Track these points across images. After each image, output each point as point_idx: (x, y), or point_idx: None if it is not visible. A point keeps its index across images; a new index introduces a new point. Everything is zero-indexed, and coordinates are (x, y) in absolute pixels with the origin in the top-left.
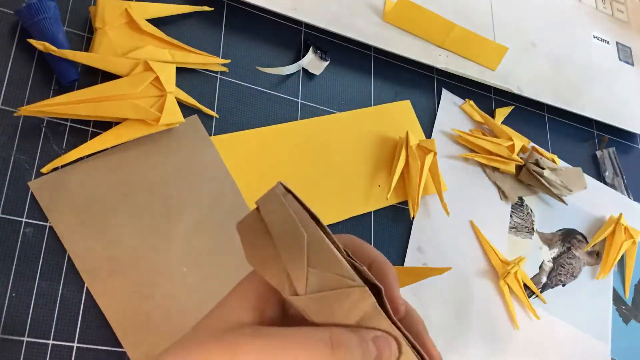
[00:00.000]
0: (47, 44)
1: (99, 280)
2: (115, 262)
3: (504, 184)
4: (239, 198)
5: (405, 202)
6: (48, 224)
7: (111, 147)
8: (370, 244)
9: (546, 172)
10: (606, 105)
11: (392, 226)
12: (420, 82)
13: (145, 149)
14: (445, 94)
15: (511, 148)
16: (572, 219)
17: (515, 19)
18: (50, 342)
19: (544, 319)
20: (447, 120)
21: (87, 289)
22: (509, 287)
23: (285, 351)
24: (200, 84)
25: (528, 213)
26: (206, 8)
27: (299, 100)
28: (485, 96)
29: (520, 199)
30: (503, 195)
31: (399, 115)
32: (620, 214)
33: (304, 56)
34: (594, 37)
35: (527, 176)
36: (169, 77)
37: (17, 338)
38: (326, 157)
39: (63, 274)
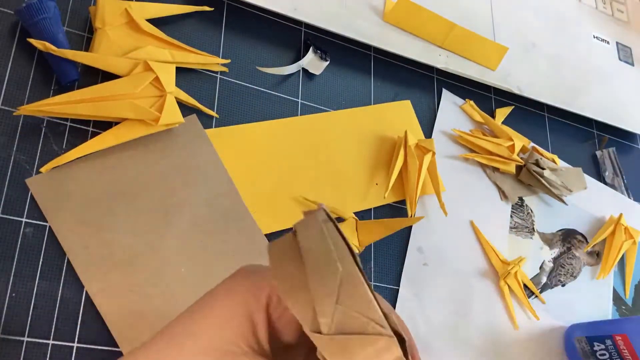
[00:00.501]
0: (47, 43)
1: (96, 279)
2: (111, 261)
3: (504, 184)
4: (237, 198)
5: (404, 202)
6: (48, 224)
7: (110, 147)
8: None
9: (546, 172)
10: (606, 105)
11: None
12: (420, 82)
13: (144, 149)
14: (445, 94)
15: (511, 148)
16: (572, 219)
17: (515, 19)
18: (50, 342)
19: (543, 319)
20: (447, 120)
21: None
22: (509, 287)
23: None
24: (200, 84)
25: (528, 213)
26: (206, 8)
27: (299, 100)
28: (485, 96)
29: (521, 199)
30: (503, 195)
31: (398, 115)
32: (620, 214)
33: (304, 56)
34: (594, 37)
35: (527, 176)
36: (168, 77)
37: (17, 338)
38: (324, 154)
39: (63, 274)
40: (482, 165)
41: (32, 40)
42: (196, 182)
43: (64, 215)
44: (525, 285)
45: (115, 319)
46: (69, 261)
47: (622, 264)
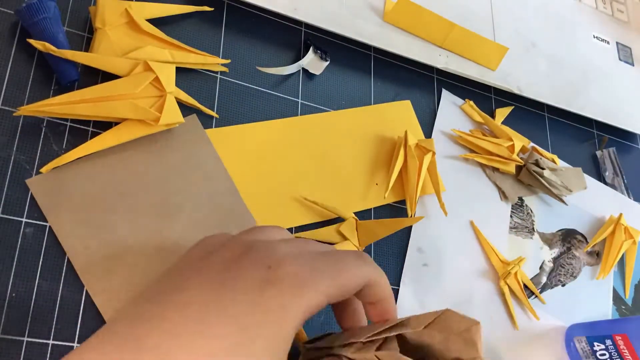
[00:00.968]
0: (47, 44)
1: (96, 279)
2: (112, 261)
3: (504, 184)
4: (238, 197)
5: (404, 202)
6: (48, 224)
7: (110, 147)
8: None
9: (546, 172)
10: (606, 105)
11: None
12: (420, 82)
13: (144, 149)
14: (445, 94)
15: (511, 148)
16: (572, 219)
17: (515, 19)
18: (50, 342)
19: (543, 319)
20: (447, 121)
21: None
22: (509, 287)
23: None
24: (200, 84)
25: (528, 213)
26: (206, 8)
27: (299, 100)
28: (485, 96)
29: (520, 199)
30: (503, 195)
31: (398, 115)
32: (620, 214)
33: (304, 56)
34: (594, 37)
35: (527, 176)
36: (168, 77)
37: (17, 338)
38: (324, 154)
39: (63, 274)
40: (482, 165)
41: (32, 41)
42: (196, 182)
43: (64, 215)
44: (525, 285)
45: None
46: (69, 261)
47: (622, 263)
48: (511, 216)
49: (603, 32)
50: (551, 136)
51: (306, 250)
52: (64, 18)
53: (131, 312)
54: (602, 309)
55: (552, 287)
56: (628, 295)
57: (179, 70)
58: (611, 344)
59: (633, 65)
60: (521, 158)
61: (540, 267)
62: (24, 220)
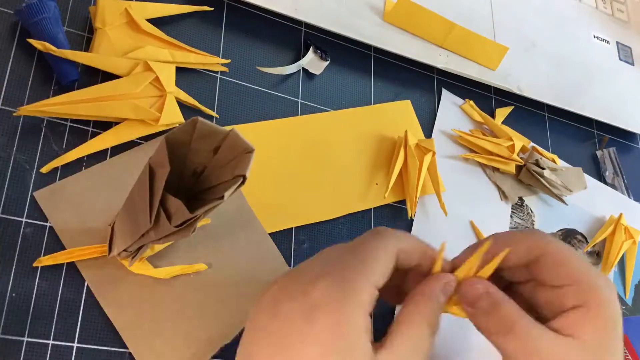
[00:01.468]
0: (47, 44)
1: (107, 291)
2: (121, 272)
3: (504, 184)
4: (242, 200)
5: (404, 202)
6: (48, 224)
7: (116, 156)
8: None
9: (546, 172)
10: (606, 105)
11: (391, 225)
12: (420, 82)
13: (148, 155)
14: (445, 94)
15: (511, 148)
16: (572, 219)
17: (515, 19)
18: (50, 342)
19: None
20: (447, 120)
21: (87, 288)
22: None
23: None
24: (200, 84)
25: (528, 213)
26: (206, 8)
27: (299, 100)
28: (485, 96)
29: (521, 199)
30: (503, 195)
31: (398, 115)
32: (620, 214)
33: (304, 56)
34: (594, 37)
35: (527, 176)
36: (169, 77)
37: (17, 338)
38: (324, 153)
39: (63, 274)
40: (482, 165)
41: (31, 41)
42: None
43: (72, 226)
44: None
45: (129, 328)
46: (69, 261)
47: (622, 264)
48: (511, 216)
49: (603, 32)
50: (551, 136)
51: (329, 259)
52: (64, 18)
53: None
54: None
55: None
56: (628, 295)
57: (179, 70)
58: None
59: (633, 65)
60: (521, 158)
61: None
62: (24, 220)
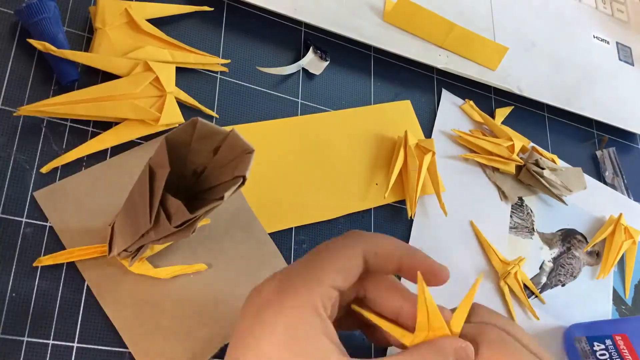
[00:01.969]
0: (47, 44)
1: (107, 291)
2: (121, 272)
3: (504, 184)
4: (242, 200)
5: (404, 202)
6: (48, 224)
7: (116, 156)
8: None
9: (546, 172)
10: (606, 105)
11: (391, 225)
12: (420, 82)
13: (148, 155)
14: (445, 94)
15: (511, 148)
16: (572, 219)
17: (515, 19)
18: (50, 342)
19: (543, 319)
20: (447, 121)
21: (87, 288)
22: (509, 287)
23: None
24: (200, 84)
25: (528, 213)
26: (206, 8)
27: (299, 100)
28: (485, 96)
29: (520, 199)
30: (503, 195)
31: (398, 115)
32: (620, 214)
33: (304, 56)
34: (594, 37)
35: (527, 176)
36: (168, 77)
37: (17, 338)
38: (323, 153)
39: (63, 274)
40: (482, 166)
41: (31, 41)
42: None
43: (72, 227)
44: (525, 285)
45: (128, 328)
46: (69, 261)
47: (622, 263)
48: (511, 216)
49: (603, 32)
50: (551, 136)
51: (297, 260)
52: (64, 18)
53: None
54: (602, 309)
55: (552, 287)
56: (628, 295)
57: (179, 70)
58: (611, 344)
59: (633, 65)
60: (521, 158)
61: (540, 267)
62: (24, 220)
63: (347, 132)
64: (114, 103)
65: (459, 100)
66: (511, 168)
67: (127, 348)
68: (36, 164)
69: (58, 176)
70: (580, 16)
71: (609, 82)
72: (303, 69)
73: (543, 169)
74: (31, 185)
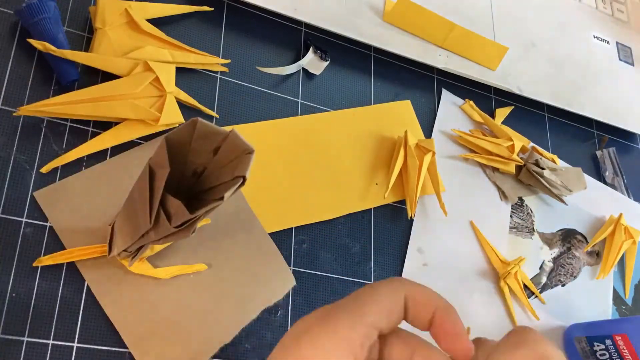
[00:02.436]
0: (47, 44)
1: (107, 291)
2: (121, 272)
3: (504, 184)
4: (242, 200)
5: (404, 202)
6: (48, 224)
7: (116, 156)
8: (371, 243)
9: (546, 172)
10: (606, 105)
11: (391, 225)
12: (420, 82)
13: (148, 155)
14: (445, 94)
15: (511, 148)
16: (572, 219)
17: (515, 19)
18: (50, 342)
19: (543, 319)
20: (447, 121)
21: (87, 288)
22: (509, 287)
23: None
24: (200, 84)
25: (528, 213)
26: (206, 8)
27: (299, 100)
28: (485, 96)
29: (520, 199)
30: (503, 195)
31: (398, 115)
32: (620, 214)
33: (304, 56)
34: (594, 37)
35: (527, 176)
36: (168, 77)
37: (17, 338)
38: (324, 153)
39: (63, 274)
40: (482, 166)
41: (31, 41)
42: None
43: (72, 226)
44: (525, 285)
45: (128, 328)
46: (69, 261)
47: (622, 263)
48: (511, 216)
49: (603, 32)
50: (551, 136)
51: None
52: (64, 18)
53: None
54: (602, 309)
55: (552, 287)
56: (628, 295)
57: (179, 70)
58: (611, 344)
59: (633, 65)
60: (521, 158)
61: (540, 267)
62: (24, 220)
63: (347, 132)
64: (114, 103)
65: (459, 100)
66: (511, 168)
67: (127, 348)
68: (36, 164)
69: (58, 176)
70: (580, 16)
71: (609, 82)
72: (303, 69)
73: (543, 169)
74: (31, 185)
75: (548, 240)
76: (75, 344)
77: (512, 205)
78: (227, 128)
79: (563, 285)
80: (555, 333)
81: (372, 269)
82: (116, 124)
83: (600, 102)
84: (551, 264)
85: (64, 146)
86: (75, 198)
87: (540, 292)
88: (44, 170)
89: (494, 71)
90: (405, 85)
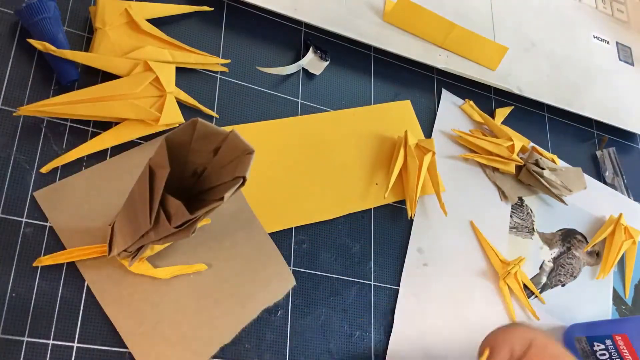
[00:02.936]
0: (47, 44)
1: (107, 291)
2: (121, 272)
3: (504, 184)
4: (242, 200)
5: (404, 202)
6: (48, 224)
7: (116, 156)
8: (371, 243)
9: (546, 172)
10: (606, 105)
11: (391, 225)
12: (420, 82)
13: (148, 155)
14: (445, 94)
15: (511, 148)
16: (572, 219)
17: (515, 19)
18: (50, 342)
19: (543, 319)
20: (447, 121)
21: (87, 288)
22: (509, 287)
23: None
24: (200, 84)
25: (528, 213)
26: (206, 8)
27: (299, 100)
28: (485, 96)
29: (520, 199)
30: (503, 195)
31: (398, 115)
32: (620, 214)
33: (304, 56)
34: (594, 37)
35: (527, 176)
36: (168, 77)
37: (17, 338)
38: (324, 153)
39: (63, 274)
40: (482, 166)
41: (32, 41)
42: None
43: (72, 226)
44: (525, 285)
45: (129, 328)
46: (69, 261)
47: (622, 263)
48: (511, 216)
49: (603, 32)
50: (551, 136)
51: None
52: (64, 18)
53: None
54: (602, 309)
55: (552, 287)
56: (628, 295)
57: (179, 70)
58: (611, 344)
59: (633, 65)
60: (521, 158)
61: (540, 267)
62: (24, 220)
63: (347, 132)
64: (114, 103)
65: (459, 100)
66: (511, 168)
67: (127, 348)
68: (36, 164)
69: (58, 176)
70: (580, 16)
71: (609, 82)
72: (303, 69)
73: (543, 169)
74: (31, 185)
75: (548, 240)
76: (75, 344)
77: (512, 205)
78: (227, 128)
79: (563, 285)
80: (555, 333)
81: (372, 269)
82: (116, 124)
83: (600, 102)
84: (551, 264)
85: (64, 146)
86: (75, 198)
87: (540, 292)
88: (44, 170)
89: (494, 71)
90: (405, 85)
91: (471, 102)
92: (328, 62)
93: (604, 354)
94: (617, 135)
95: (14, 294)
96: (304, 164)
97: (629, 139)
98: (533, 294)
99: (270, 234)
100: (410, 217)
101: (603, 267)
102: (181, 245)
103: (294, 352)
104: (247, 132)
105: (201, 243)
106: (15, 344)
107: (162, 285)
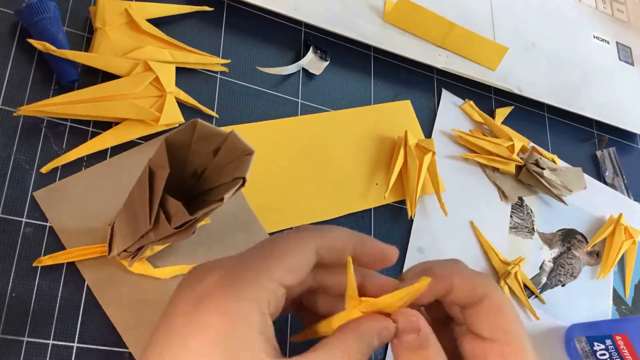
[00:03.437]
0: (47, 44)
1: (107, 291)
2: (121, 272)
3: (504, 184)
4: (242, 200)
5: (404, 202)
6: (48, 224)
7: (116, 156)
8: None
9: (546, 172)
10: (606, 105)
11: (391, 225)
12: (420, 82)
13: (148, 155)
14: (445, 94)
15: (511, 148)
16: (572, 219)
17: (515, 19)
18: (50, 342)
19: (543, 319)
20: (447, 121)
21: (87, 288)
22: (509, 287)
23: None
24: (200, 84)
25: (528, 213)
26: (206, 8)
27: (299, 100)
28: (485, 96)
29: (520, 199)
30: (503, 195)
31: (398, 115)
32: (620, 214)
33: (304, 56)
34: (594, 37)
35: (527, 176)
36: (168, 77)
37: (17, 338)
38: (324, 153)
39: (63, 274)
40: (482, 166)
41: (31, 41)
42: None
43: (72, 226)
44: (525, 285)
45: (129, 328)
46: (69, 261)
47: (622, 263)
48: (511, 216)
49: (603, 32)
50: (551, 136)
51: (242, 252)
52: (64, 18)
53: None
54: (602, 309)
55: (552, 287)
56: (628, 295)
57: (179, 70)
58: (611, 344)
59: (633, 65)
60: (521, 158)
61: (540, 267)
62: (24, 220)
63: (347, 132)
64: (114, 103)
65: (459, 100)
66: (511, 168)
67: (127, 348)
68: (36, 164)
69: (58, 176)
70: (580, 16)
71: (609, 82)
72: (303, 69)
73: (543, 169)
74: (31, 185)
75: (548, 240)
76: (75, 344)
77: (512, 205)
78: (227, 128)
79: (563, 285)
80: (555, 333)
81: None
82: (116, 124)
83: (600, 102)
84: (551, 264)
85: (64, 146)
86: (75, 198)
87: (540, 292)
88: (44, 170)
89: (494, 71)
90: (405, 85)
91: (471, 102)
92: (328, 62)
93: (604, 354)
94: (617, 135)
95: (13, 294)
96: (304, 164)
97: (629, 139)
98: (533, 294)
99: (270, 234)
100: (411, 217)
101: (603, 267)
102: (181, 246)
103: (294, 353)
104: (247, 132)
105: (201, 243)
106: (15, 344)
107: (162, 285)
